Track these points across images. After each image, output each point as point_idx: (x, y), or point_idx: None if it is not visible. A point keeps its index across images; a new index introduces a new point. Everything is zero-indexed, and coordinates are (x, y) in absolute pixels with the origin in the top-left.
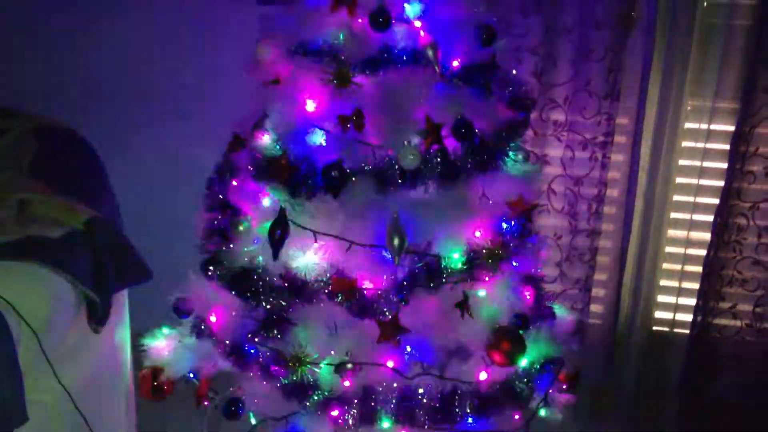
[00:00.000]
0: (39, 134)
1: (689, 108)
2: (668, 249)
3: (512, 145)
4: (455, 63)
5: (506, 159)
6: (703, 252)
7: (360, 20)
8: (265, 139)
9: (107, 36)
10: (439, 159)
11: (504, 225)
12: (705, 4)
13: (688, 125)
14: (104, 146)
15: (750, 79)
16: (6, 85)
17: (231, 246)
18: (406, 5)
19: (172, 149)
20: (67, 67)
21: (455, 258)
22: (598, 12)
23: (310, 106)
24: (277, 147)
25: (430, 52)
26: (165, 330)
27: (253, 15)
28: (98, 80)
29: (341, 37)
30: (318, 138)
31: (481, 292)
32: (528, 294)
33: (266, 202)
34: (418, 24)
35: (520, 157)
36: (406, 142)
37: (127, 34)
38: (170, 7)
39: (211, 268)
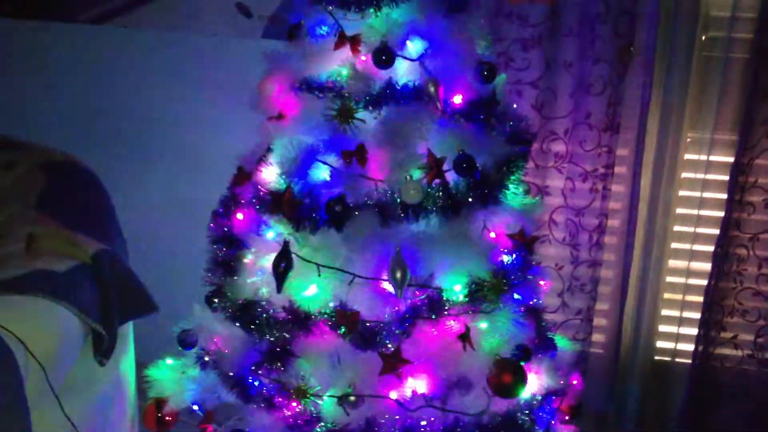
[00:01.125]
0: (47, 168)
1: (689, 140)
2: (669, 279)
3: (513, 178)
4: (457, 99)
5: (507, 192)
6: (704, 282)
7: (363, 57)
8: (270, 173)
9: (114, 69)
10: (440, 193)
11: (505, 257)
12: (703, 38)
13: (687, 156)
14: (110, 178)
15: (748, 112)
16: (14, 116)
17: (235, 278)
18: (408, 43)
19: (177, 182)
20: (75, 100)
21: (457, 290)
22: (597, 47)
23: (314, 141)
24: (282, 181)
25: (431, 89)
26: (169, 361)
27: (258, 50)
28: (104, 112)
29: (345, 74)
30: (322, 172)
31: (483, 324)
32: (529, 325)
33: (270, 235)
34: (420, 61)
35: (520, 190)
36: (408, 177)
37: (133, 68)
38: (175, 41)
39: (216, 300)
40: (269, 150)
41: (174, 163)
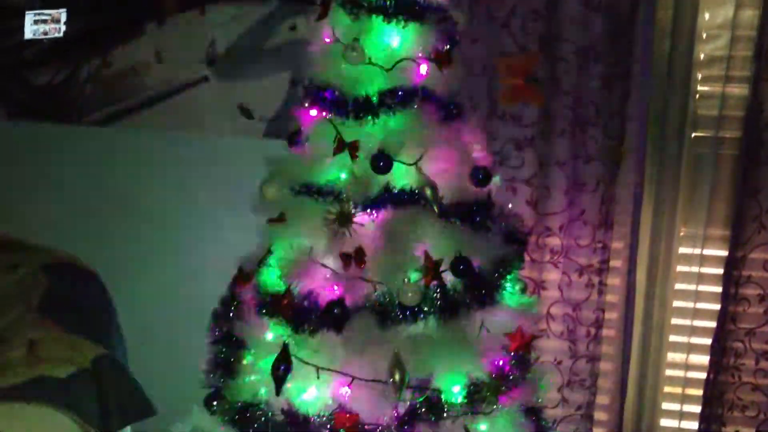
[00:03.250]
0: (49, 269)
1: (682, 234)
2: (669, 372)
3: (509, 277)
4: (452, 202)
5: (504, 292)
6: (703, 375)
7: (362, 162)
8: (270, 275)
9: (117, 169)
10: (438, 294)
11: (503, 358)
12: (692, 135)
13: (681, 250)
14: (111, 275)
15: (739, 208)
16: (18, 216)
17: (234, 380)
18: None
19: (177, 281)
20: (78, 199)
21: (456, 392)
22: (589, 147)
23: (314, 242)
24: (281, 283)
25: (428, 192)
26: None
27: (259, 149)
28: (106, 210)
29: (344, 178)
30: (321, 275)
31: (483, 426)
32: (530, 425)
33: (270, 336)
34: (416, 165)
35: (517, 288)
36: (406, 279)
37: (136, 167)
38: (178, 141)
39: (215, 403)
40: (269, 251)
41: (175, 261)
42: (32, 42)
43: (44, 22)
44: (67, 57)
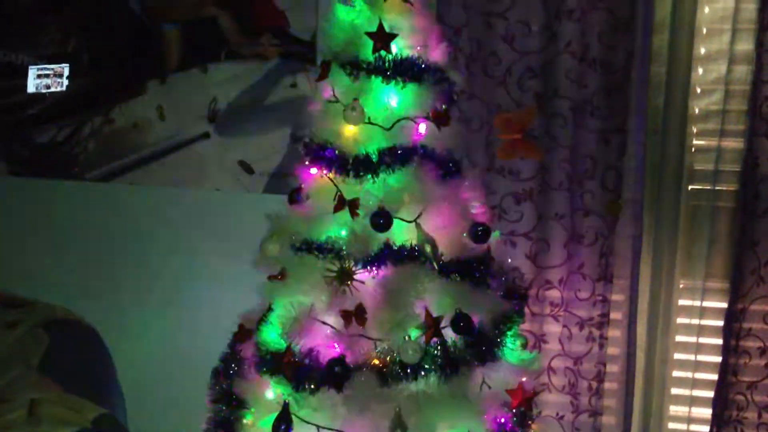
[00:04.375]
0: (49, 327)
1: (681, 286)
2: (671, 425)
3: (510, 333)
4: (452, 258)
5: (505, 348)
6: (705, 428)
7: (362, 220)
8: (271, 333)
9: (118, 224)
10: (439, 352)
11: (505, 415)
12: (689, 188)
13: (681, 302)
14: (111, 331)
15: (738, 262)
16: (18, 271)
17: None
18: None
19: (177, 337)
20: (78, 254)
21: None
22: (587, 200)
23: (314, 300)
24: (282, 341)
25: (428, 249)
26: None
27: (260, 205)
28: (107, 266)
29: (344, 236)
30: (321, 333)
31: None
32: None
33: (270, 394)
34: (416, 222)
35: (518, 344)
36: (407, 337)
37: (137, 222)
38: (179, 197)
39: None
40: (270, 309)
41: (174, 317)
42: (35, 100)
43: (47, 76)
44: (70, 115)
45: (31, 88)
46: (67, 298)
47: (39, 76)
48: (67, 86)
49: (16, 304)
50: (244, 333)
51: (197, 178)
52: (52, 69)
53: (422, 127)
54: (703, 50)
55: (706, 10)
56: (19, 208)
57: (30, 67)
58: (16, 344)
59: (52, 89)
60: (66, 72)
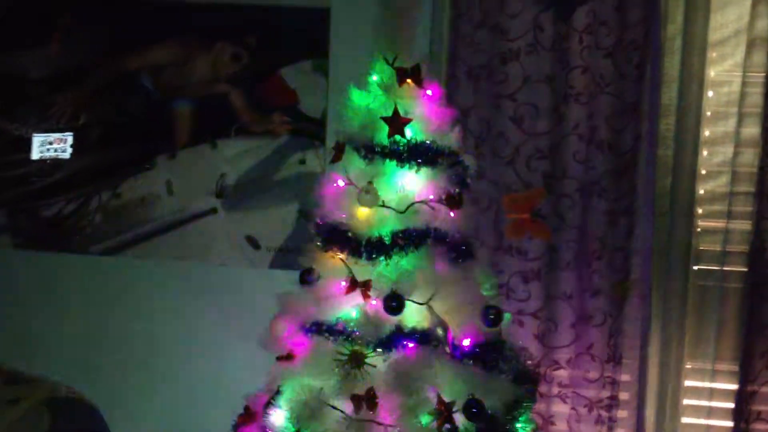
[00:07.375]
0: (51, 405)
1: (689, 367)
2: None
3: (522, 418)
4: (465, 342)
5: None
6: None
7: (374, 302)
8: (279, 417)
9: (122, 299)
10: None
11: None
12: (696, 268)
13: (689, 383)
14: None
15: (747, 345)
16: (20, 346)
17: None
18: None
19: (181, 416)
20: (82, 329)
21: None
22: (595, 280)
23: (325, 385)
24: (291, 426)
25: (440, 332)
26: None
27: (266, 280)
28: (111, 341)
29: (355, 318)
30: (332, 418)
31: None
32: None
33: None
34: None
35: (529, 429)
36: (418, 423)
37: (142, 297)
38: (185, 271)
39: None
40: (278, 392)
41: (178, 395)
42: (41, 174)
43: (51, 143)
44: (77, 188)
45: (35, 155)
46: (70, 373)
47: (43, 143)
48: (72, 155)
49: (19, 380)
50: (250, 415)
51: (203, 253)
52: (57, 136)
53: (435, 210)
54: (707, 133)
55: (710, 94)
56: (23, 281)
57: (35, 135)
58: (19, 422)
59: (57, 154)
60: (70, 140)
